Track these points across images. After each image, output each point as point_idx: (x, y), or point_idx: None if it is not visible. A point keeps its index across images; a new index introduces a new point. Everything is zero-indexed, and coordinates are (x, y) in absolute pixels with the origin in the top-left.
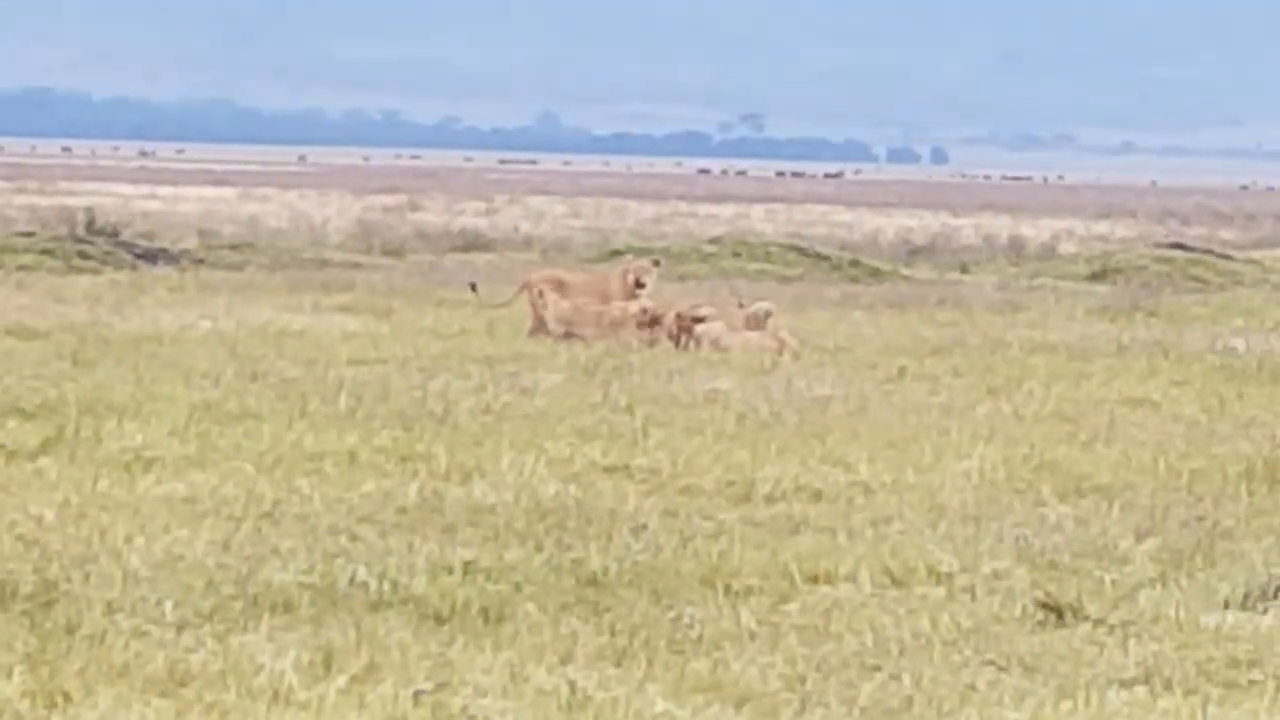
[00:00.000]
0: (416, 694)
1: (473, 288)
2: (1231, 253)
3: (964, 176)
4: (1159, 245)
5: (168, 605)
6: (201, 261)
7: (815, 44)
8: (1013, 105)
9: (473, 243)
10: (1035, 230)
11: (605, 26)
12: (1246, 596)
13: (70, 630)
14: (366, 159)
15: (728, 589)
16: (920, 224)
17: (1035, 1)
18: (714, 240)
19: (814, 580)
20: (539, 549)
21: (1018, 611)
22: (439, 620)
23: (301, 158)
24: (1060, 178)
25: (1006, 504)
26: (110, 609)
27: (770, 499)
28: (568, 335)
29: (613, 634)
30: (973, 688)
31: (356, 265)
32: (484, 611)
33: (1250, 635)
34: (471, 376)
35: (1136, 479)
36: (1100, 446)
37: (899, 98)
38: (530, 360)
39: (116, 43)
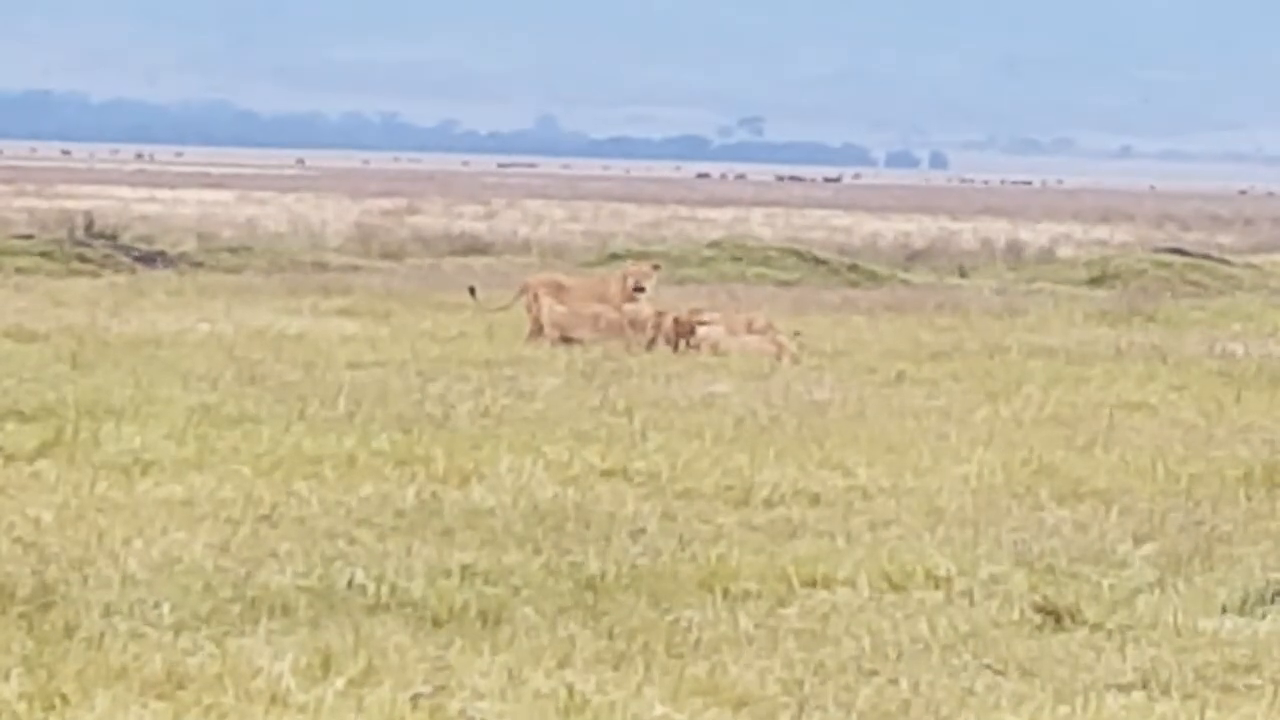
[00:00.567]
0: (414, 697)
1: (471, 291)
2: (1230, 257)
3: (963, 181)
4: (1157, 250)
5: (165, 608)
6: (200, 264)
7: (814, 48)
8: (1012, 109)
9: (471, 246)
10: (1034, 234)
11: (604, 30)
12: (1244, 601)
13: (68, 632)
14: (365, 162)
15: (726, 593)
16: (919, 228)
17: (1034, 6)
18: (713, 244)
19: (812, 584)
20: (537, 552)
21: (1016, 616)
22: (437, 623)
23: (300, 161)
24: (1059, 182)
25: (1005, 508)
26: (108, 611)
27: (768, 503)
28: (564, 339)
29: (611, 637)
30: (970, 692)
31: (355, 268)
32: (482, 614)
33: (1248, 640)
34: (470, 380)
35: (1135, 483)
36: (1099, 451)
37: (898, 102)
38: (529, 364)
39: (115, 45)
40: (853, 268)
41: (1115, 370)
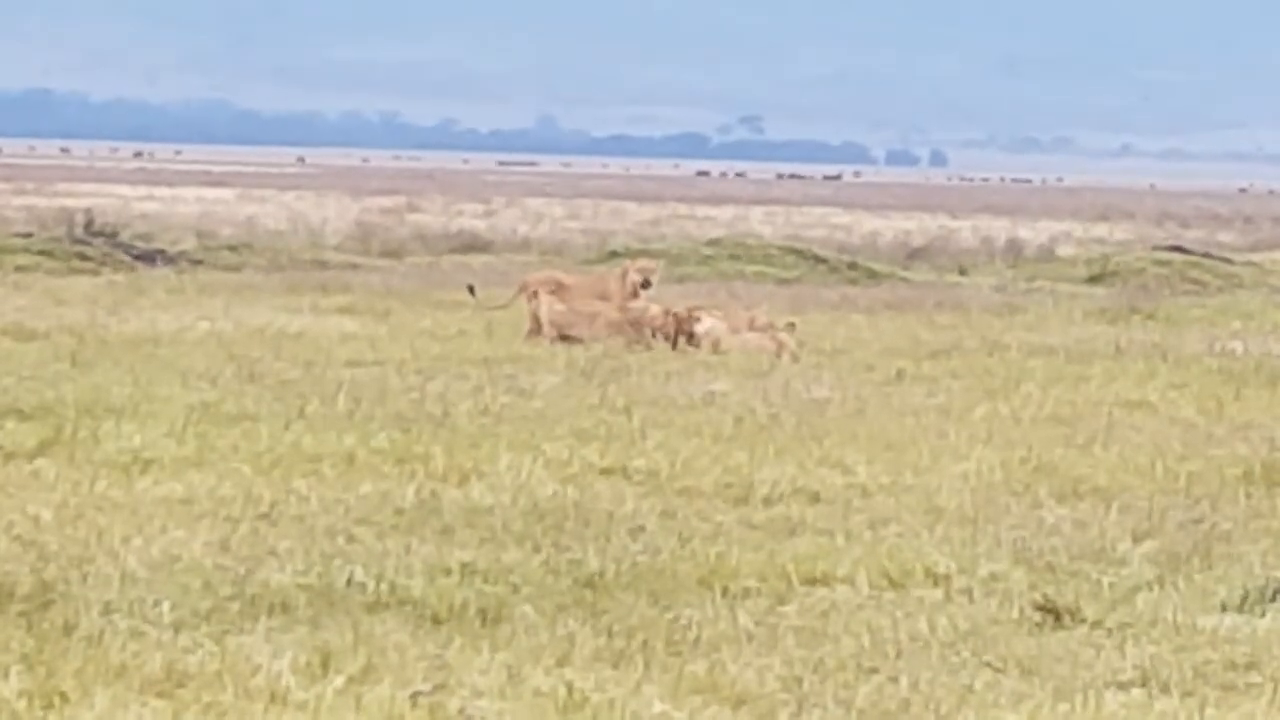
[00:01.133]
0: (414, 695)
1: (470, 290)
2: (1230, 255)
3: (962, 179)
4: (1157, 248)
5: (165, 606)
6: (200, 263)
7: (814, 46)
8: (1011, 108)
9: (471, 244)
10: (1033, 233)
11: (604, 28)
12: (1244, 599)
13: (68, 631)
14: (365, 160)
15: (725, 590)
16: (918, 226)
17: (1034, 4)
18: (712, 242)
19: (811, 582)
20: (536, 550)
21: (1015, 613)
22: (436, 621)
23: (300, 159)
24: (1059, 180)
25: (1004, 506)
26: (107, 609)
27: (768, 501)
28: (562, 338)
29: (610, 635)
30: (970, 690)
31: (354, 267)
32: (481, 613)
33: (1248, 638)
34: (469, 378)
35: (1134, 481)
36: (1098, 449)
37: (898, 100)
38: (528, 362)
39: (115, 44)
40: (852, 266)
41: (1115, 368)
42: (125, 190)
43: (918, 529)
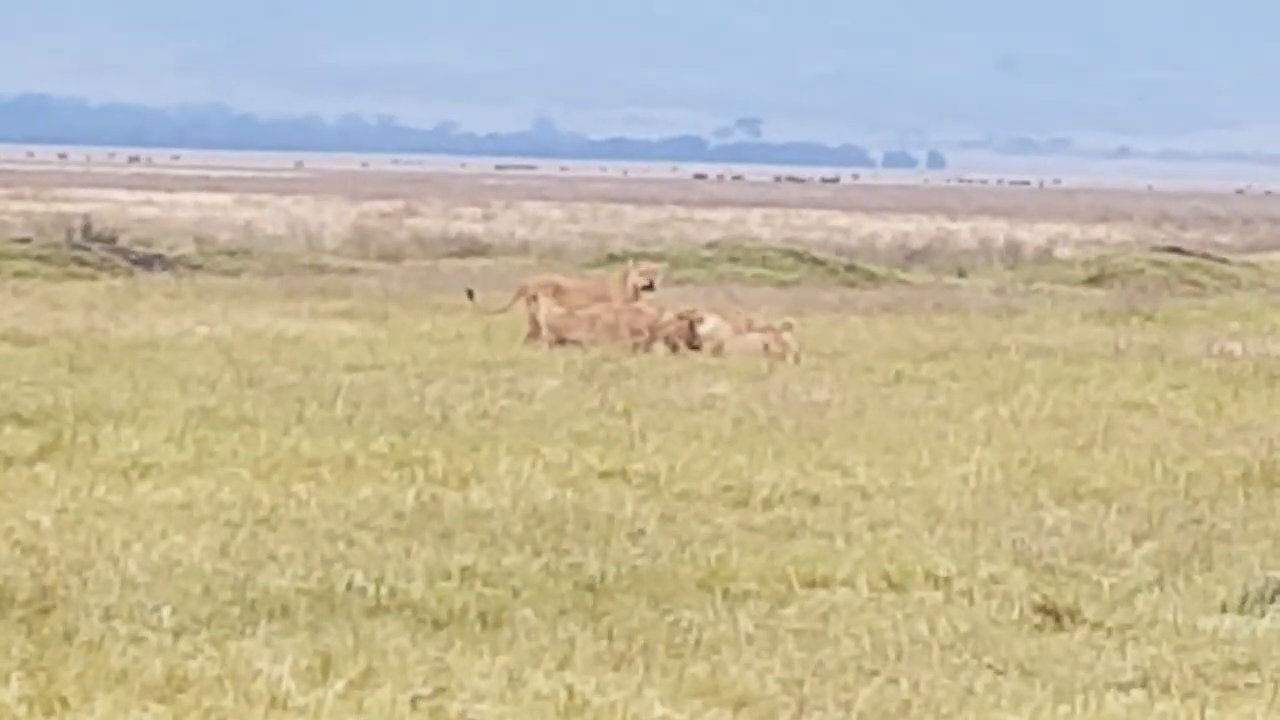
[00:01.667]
0: (414, 699)
1: (469, 294)
2: (1228, 256)
3: (960, 181)
4: (1155, 249)
5: (165, 611)
6: (198, 267)
7: (812, 48)
8: (1009, 110)
9: (469, 248)
10: (1032, 234)
11: (601, 31)
12: (1244, 600)
13: (68, 636)
14: (363, 165)
15: (725, 593)
16: (917, 228)
17: (1031, 6)
18: (711, 245)
19: (811, 584)
20: (536, 554)
21: (1015, 615)
22: (437, 625)
23: (298, 163)
24: (1057, 182)
25: (1004, 508)
26: (107, 615)
27: (768, 503)
28: (561, 341)
29: (610, 639)
30: (970, 691)
31: (353, 271)
32: (481, 616)
33: (1248, 639)
34: (468, 382)
35: (1133, 483)
36: (1097, 450)
37: (896, 102)
38: (527, 365)
39: (113, 49)
40: (851, 268)
41: (1113, 369)
42: (123, 195)
43: (918, 531)
